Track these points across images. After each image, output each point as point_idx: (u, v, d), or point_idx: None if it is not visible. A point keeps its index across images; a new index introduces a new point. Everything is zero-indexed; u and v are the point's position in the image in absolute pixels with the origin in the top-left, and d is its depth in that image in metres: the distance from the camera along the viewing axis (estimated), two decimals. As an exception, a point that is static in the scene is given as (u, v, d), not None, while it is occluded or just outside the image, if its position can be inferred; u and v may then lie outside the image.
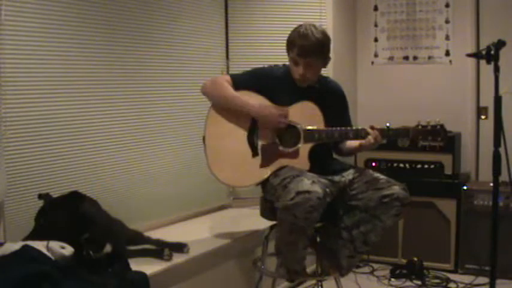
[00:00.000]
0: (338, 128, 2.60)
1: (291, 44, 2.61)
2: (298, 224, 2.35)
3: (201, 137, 2.74)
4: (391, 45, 4.16)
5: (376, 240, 2.52)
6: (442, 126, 2.58)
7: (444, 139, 2.58)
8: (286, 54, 2.68)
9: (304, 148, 2.61)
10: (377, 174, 2.57)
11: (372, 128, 2.56)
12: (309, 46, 2.55)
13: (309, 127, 2.61)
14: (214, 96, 2.72)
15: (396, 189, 2.44)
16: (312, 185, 2.32)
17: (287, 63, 2.72)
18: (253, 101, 2.64)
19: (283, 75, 2.73)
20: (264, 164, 2.64)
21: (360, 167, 2.77)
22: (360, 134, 2.59)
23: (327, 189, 2.41)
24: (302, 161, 2.60)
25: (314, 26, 2.60)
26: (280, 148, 2.63)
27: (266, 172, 2.62)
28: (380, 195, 2.43)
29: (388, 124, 2.60)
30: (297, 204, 2.29)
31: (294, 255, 2.51)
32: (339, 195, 2.58)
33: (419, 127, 2.58)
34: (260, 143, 2.66)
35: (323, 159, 2.69)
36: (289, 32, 2.67)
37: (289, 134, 2.64)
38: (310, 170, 2.56)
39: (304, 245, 2.48)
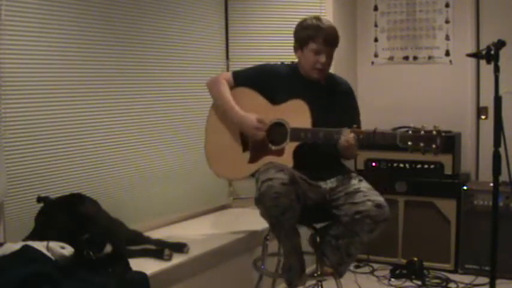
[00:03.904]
0: (323, 129, 2.48)
1: (312, 33, 2.56)
2: (273, 215, 2.33)
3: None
4: (391, 45, 4.16)
5: (356, 253, 2.50)
6: (438, 132, 2.25)
7: (440, 147, 2.25)
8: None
9: (290, 146, 2.58)
10: (359, 186, 2.46)
11: (353, 130, 2.40)
12: (333, 35, 2.60)
13: (296, 126, 2.57)
14: (212, 94, 2.83)
15: (369, 205, 2.34)
16: (276, 173, 2.31)
17: (294, 60, 2.72)
18: (244, 104, 2.67)
19: (290, 72, 2.71)
20: (251, 160, 2.69)
21: (352, 173, 2.63)
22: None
23: (298, 178, 2.38)
24: (286, 159, 2.57)
25: (320, 17, 2.64)
26: (268, 145, 2.64)
27: (253, 167, 2.64)
28: (353, 211, 2.37)
29: (376, 128, 2.41)
30: (263, 193, 2.29)
31: (285, 249, 2.50)
32: (323, 202, 2.54)
33: (410, 132, 2.32)
34: (251, 140, 2.69)
35: (312, 164, 2.57)
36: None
37: (279, 131, 2.64)
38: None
39: (286, 236, 2.44)
